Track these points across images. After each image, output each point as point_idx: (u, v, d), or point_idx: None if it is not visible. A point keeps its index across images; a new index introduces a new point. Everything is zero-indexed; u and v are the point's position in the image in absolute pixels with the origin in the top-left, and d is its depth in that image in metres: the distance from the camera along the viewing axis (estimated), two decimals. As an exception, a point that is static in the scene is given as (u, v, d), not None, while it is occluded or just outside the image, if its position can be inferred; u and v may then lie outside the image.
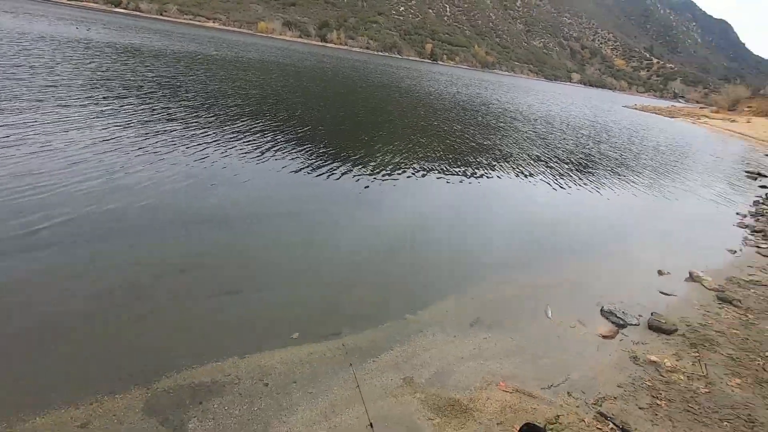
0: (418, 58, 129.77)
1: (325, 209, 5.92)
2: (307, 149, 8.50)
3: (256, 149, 7.87)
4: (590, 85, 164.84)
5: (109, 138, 7.00)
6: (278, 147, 8.25)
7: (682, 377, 3.31)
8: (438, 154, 10.07)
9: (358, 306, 3.86)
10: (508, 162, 10.56)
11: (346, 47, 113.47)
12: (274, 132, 9.36)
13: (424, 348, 3.41)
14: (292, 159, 7.70)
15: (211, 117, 9.79)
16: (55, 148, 6.13)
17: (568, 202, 8.34)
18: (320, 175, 7.15)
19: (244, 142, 8.20)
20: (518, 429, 2.13)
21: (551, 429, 2.60)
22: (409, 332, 3.58)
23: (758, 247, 6.53)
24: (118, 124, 7.88)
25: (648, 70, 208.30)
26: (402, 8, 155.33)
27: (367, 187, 7.04)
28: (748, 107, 47.20)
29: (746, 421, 2.84)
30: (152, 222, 4.65)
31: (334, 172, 7.40)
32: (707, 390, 3.15)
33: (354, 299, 3.96)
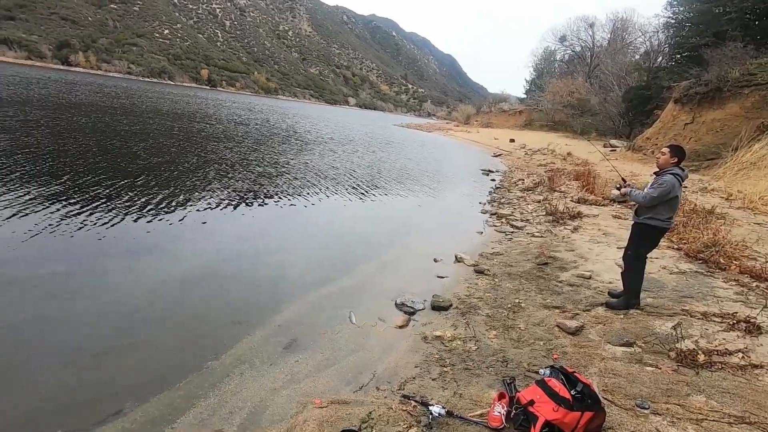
0: (195, 85, 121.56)
1: (95, 263, 4.89)
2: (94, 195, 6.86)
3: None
4: (366, 108, 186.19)
5: None
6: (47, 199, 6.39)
7: (459, 343, 4.01)
8: (251, 185, 9.61)
9: (141, 373, 3.29)
10: (321, 182, 10.94)
11: (99, 72, 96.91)
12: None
13: (232, 392, 3.16)
14: (69, 210, 6.08)
15: None
16: None
17: (363, 211, 9.21)
18: (91, 225, 5.86)
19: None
20: None
21: (365, 427, 2.75)
22: (213, 381, 3.26)
23: (495, 226, 8.55)
24: None
25: (407, 94, 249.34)
26: (167, 31, 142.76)
27: (149, 231, 6.16)
28: (476, 121, 61.92)
29: (502, 362, 3.63)
30: None
31: (107, 219, 6.18)
32: (476, 347, 3.90)
33: (136, 364, 3.37)
